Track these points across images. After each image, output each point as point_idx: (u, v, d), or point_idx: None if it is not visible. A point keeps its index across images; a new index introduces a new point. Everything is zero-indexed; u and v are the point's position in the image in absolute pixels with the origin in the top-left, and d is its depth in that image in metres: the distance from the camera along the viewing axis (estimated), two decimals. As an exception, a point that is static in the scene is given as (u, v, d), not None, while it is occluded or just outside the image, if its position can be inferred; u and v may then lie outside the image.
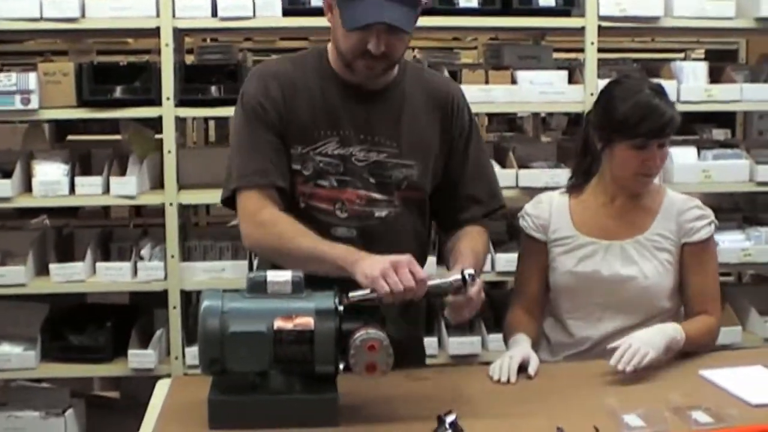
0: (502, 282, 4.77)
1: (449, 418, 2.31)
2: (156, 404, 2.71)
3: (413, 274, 2.48)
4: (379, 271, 2.48)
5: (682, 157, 4.43)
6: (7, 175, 4.24)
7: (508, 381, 2.80)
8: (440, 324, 4.47)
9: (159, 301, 4.37)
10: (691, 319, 3.10)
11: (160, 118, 4.21)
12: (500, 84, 4.27)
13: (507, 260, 4.24)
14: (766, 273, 5.08)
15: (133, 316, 4.52)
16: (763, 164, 4.50)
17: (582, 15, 4.35)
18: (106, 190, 4.25)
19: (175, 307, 4.28)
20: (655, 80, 3.38)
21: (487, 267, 4.09)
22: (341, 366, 2.47)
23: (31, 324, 4.42)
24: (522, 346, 2.97)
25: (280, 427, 2.43)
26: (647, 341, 2.84)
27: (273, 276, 2.51)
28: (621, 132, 2.99)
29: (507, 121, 7.92)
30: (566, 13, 4.39)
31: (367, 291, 2.49)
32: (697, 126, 6.09)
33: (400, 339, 2.60)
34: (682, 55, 7.17)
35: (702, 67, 4.55)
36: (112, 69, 4.38)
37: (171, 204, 4.23)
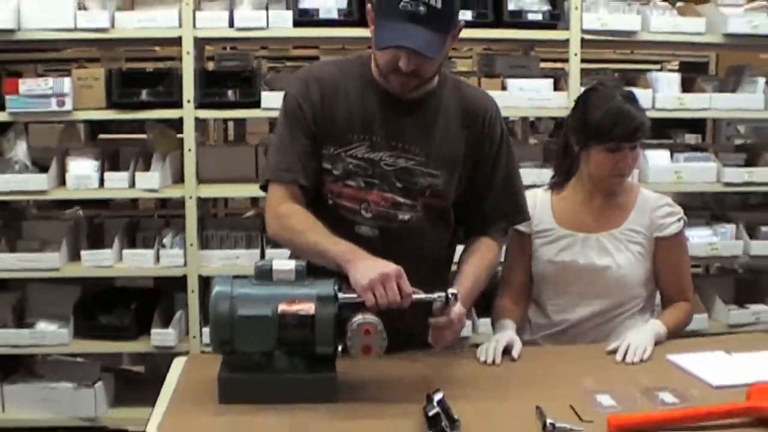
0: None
1: (437, 396, 2.28)
2: (171, 381, 2.69)
3: (400, 289, 2.43)
4: (368, 282, 2.42)
5: (656, 159, 4.44)
6: (44, 170, 4.25)
7: (494, 362, 2.78)
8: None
9: (179, 285, 4.37)
10: (669, 309, 3.12)
11: (181, 119, 4.21)
12: (492, 90, 4.20)
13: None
14: (730, 265, 5.07)
15: (156, 299, 4.53)
16: (729, 167, 4.53)
17: (567, 28, 4.35)
18: (132, 184, 4.26)
19: (193, 291, 4.28)
20: (633, 89, 3.34)
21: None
22: (340, 348, 2.44)
23: (64, 304, 4.43)
24: (507, 331, 2.95)
25: (283, 403, 2.40)
26: (641, 340, 2.85)
27: (278, 265, 2.48)
28: (595, 137, 2.97)
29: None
30: (552, 27, 4.39)
31: (359, 299, 2.45)
32: (671, 131, 6.07)
33: (414, 328, 2.60)
34: (658, 66, 7.12)
35: (675, 78, 4.55)
36: (139, 75, 4.40)
37: (190, 197, 4.23)
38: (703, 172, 4.48)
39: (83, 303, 4.46)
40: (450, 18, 2.60)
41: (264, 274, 2.48)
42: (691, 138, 6.32)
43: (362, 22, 3.61)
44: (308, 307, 2.41)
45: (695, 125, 6.17)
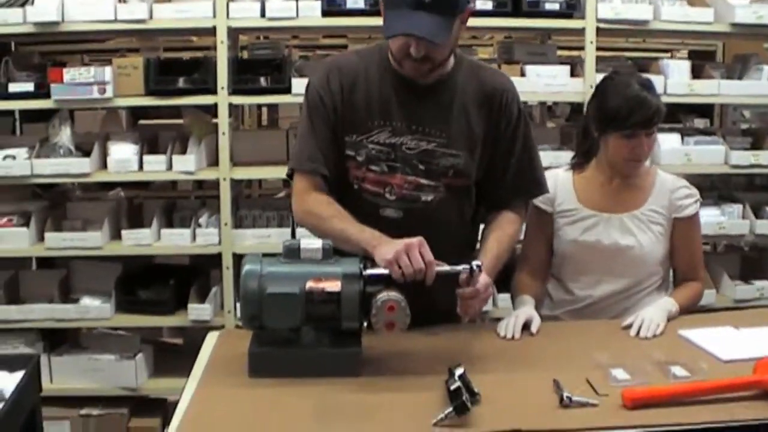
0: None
1: (458, 371, 2.22)
2: (205, 354, 2.66)
3: (422, 256, 2.38)
4: (393, 254, 2.37)
5: (667, 142, 4.35)
6: (87, 154, 4.20)
7: (513, 338, 2.72)
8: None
9: (214, 262, 4.31)
10: (681, 287, 3.05)
11: (215, 105, 4.14)
12: (511, 76, 4.12)
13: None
14: (737, 243, 4.98)
15: (193, 276, 4.48)
16: (736, 150, 4.43)
17: (582, 17, 4.25)
18: (170, 167, 4.19)
19: (228, 268, 4.22)
20: (645, 75, 3.26)
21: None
22: (365, 324, 2.39)
23: (107, 281, 4.39)
24: (526, 307, 2.89)
25: (310, 376, 2.36)
26: (654, 316, 2.79)
27: (306, 243, 2.44)
28: (613, 124, 2.89)
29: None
30: (569, 16, 4.29)
31: (385, 271, 2.39)
32: (681, 115, 5.96)
33: (440, 303, 2.58)
34: (668, 54, 7.01)
35: (685, 65, 4.45)
36: (175, 63, 4.34)
37: (224, 179, 4.17)
38: (711, 155, 4.38)
39: (124, 279, 4.41)
40: (456, 2, 2.53)
41: (292, 253, 2.43)
42: (699, 122, 6.19)
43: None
44: (334, 284, 2.36)
45: (704, 110, 6.06)
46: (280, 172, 4.21)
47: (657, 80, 3.94)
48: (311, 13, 4.09)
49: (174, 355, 4.52)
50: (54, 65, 4.28)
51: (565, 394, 2.20)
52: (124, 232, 4.23)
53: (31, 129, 5.14)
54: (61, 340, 4.47)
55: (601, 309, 3.01)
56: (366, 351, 2.44)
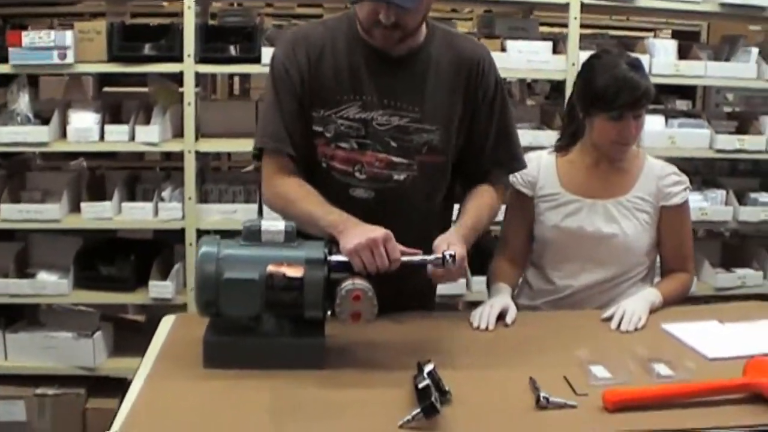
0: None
1: (428, 368, 2.06)
2: (159, 340, 2.49)
3: (387, 253, 2.23)
4: (354, 246, 2.22)
5: (651, 124, 4.17)
6: (47, 122, 3.99)
7: (487, 328, 2.56)
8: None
9: (179, 237, 4.13)
10: (668, 278, 2.91)
11: (181, 74, 3.94)
12: (492, 52, 3.98)
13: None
14: (718, 230, 4.85)
15: (156, 251, 4.29)
16: (721, 134, 4.31)
17: (567, -8, 4.07)
18: (132, 137, 3.99)
19: (191, 244, 4.04)
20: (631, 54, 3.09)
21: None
22: (329, 312, 2.22)
23: (66, 255, 4.19)
24: (502, 296, 2.73)
25: (269, 368, 2.19)
26: (635, 307, 2.64)
27: (267, 225, 2.26)
28: (599, 104, 2.72)
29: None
30: (553, -10, 4.10)
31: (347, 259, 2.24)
32: (664, 96, 5.82)
33: (412, 287, 2.47)
34: (652, 33, 6.87)
35: (672, 45, 4.31)
36: (141, 28, 4.11)
37: (189, 151, 3.97)
38: (696, 139, 4.24)
39: (84, 254, 4.22)
40: None
41: (252, 235, 2.26)
42: (681, 104, 6.06)
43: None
44: (297, 270, 2.19)
45: (686, 92, 5.92)
46: (248, 144, 3.93)
47: (642, 59, 3.74)
48: (284, -20, 3.89)
49: (135, 334, 4.32)
50: (13, 28, 4.05)
51: (542, 395, 2.04)
52: (83, 205, 4.04)
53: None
54: (17, 316, 4.28)
55: (583, 300, 2.86)
56: (330, 341, 2.27)
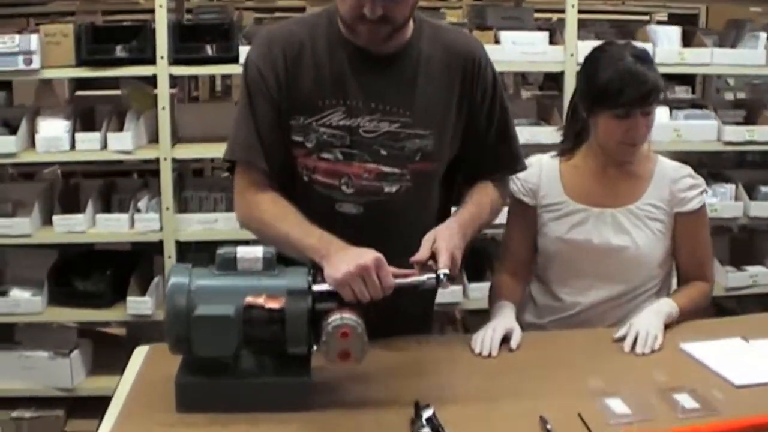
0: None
1: (426, 413, 1.84)
2: (129, 376, 2.26)
3: (380, 280, 2.00)
4: (343, 275, 1.98)
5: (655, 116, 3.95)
6: (16, 130, 3.76)
7: (490, 355, 2.32)
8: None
9: (159, 247, 3.89)
10: (684, 288, 2.66)
11: (155, 76, 3.69)
12: (484, 44, 3.77)
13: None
14: (727, 225, 4.61)
15: (135, 262, 4.07)
16: (729, 125, 4.07)
17: (564, -23, 3.83)
18: (105, 145, 3.76)
19: (170, 257, 3.81)
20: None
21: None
22: (315, 347, 1.99)
23: (40, 269, 3.97)
24: (505, 316, 2.49)
25: (250, 411, 1.96)
26: (648, 324, 2.40)
27: (243, 252, 2.02)
28: (602, 101, 2.49)
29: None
30: (548, -25, 3.87)
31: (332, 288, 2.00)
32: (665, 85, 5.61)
33: (412, 311, 2.29)
34: (647, 17, 6.64)
35: (675, 32, 4.06)
36: (111, 30, 3.86)
37: (165, 159, 3.73)
38: (703, 131, 4.01)
39: (59, 268, 4.00)
40: None
41: (227, 264, 2.03)
42: (681, 90, 5.84)
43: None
44: (278, 302, 1.95)
45: (686, 77, 5.69)
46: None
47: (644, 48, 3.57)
48: (261, -27, 3.65)
49: (115, 349, 4.11)
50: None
51: (556, 439, 1.82)
52: (55, 218, 3.81)
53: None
54: (-8, 334, 4.07)
55: (592, 317, 2.63)
56: (318, 374, 2.03)
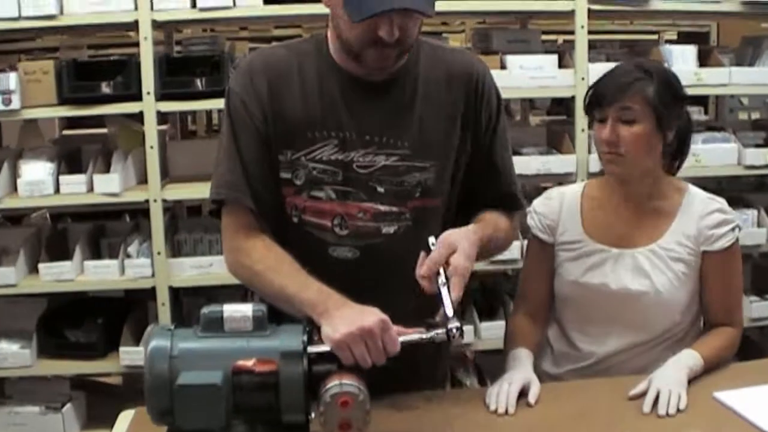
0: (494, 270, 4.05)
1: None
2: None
3: (384, 344, 1.81)
4: (343, 336, 1.79)
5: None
6: (-2, 174, 3.60)
7: (506, 412, 2.12)
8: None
9: (152, 293, 3.69)
10: (710, 335, 2.41)
11: (141, 113, 3.51)
12: (490, 69, 3.61)
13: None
14: (749, 253, 4.41)
15: (129, 309, 3.88)
16: (749, 147, 3.88)
17: (571, -2, 3.68)
18: (91, 187, 3.57)
19: (163, 304, 3.61)
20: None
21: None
22: (313, 414, 1.79)
23: (29, 320, 3.78)
24: (522, 368, 2.28)
25: (243, 489, 1.76)
26: (670, 381, 2.16)
27: (231, 311, 1.82)
28: (587, 107, 2.38)
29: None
30: (555, -4, 3.71)
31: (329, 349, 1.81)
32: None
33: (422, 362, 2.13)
34: (656, 36, 6.47)
35: (691, 51, 3.86)
36: (94, 65, 3.67)
37: (155, 200, 3.55)
38: (722, 155, 3.82)
39: (48, 317, 3.81)
40: None
41: (213, 324, 1.82)
42: (694, 112, 5.64)
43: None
44: (270, 365, 1.76)
45: (698, 98, 5.51)
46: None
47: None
48: (251, 2, 3.47)
49: (111, 400, 3.91)
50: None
51: None
52: (41, 266, 3.62)
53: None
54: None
55: (611, 367, 2.42)
56: (318, 442, 1.84)
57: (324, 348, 1.81)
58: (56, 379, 3.91)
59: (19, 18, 3.43)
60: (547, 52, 3.92)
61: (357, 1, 1.93)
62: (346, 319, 1.82)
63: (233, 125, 2.13)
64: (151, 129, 3.50)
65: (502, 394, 2.16)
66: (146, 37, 3.44)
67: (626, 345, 2.41)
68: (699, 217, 2.41)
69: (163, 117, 3.77)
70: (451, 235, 1.99)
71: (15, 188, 3.59)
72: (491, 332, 3.62)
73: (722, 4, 3.79)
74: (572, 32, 3.70)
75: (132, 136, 3.74)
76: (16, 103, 3.45)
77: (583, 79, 3.60)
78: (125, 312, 3.85)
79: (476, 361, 4.04)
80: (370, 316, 1.82)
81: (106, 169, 3.61)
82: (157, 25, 3.52)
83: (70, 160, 3.74)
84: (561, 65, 3.75)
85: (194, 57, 3.72)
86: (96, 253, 3.82)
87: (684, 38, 5.95)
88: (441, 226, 2.15)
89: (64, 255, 3.73)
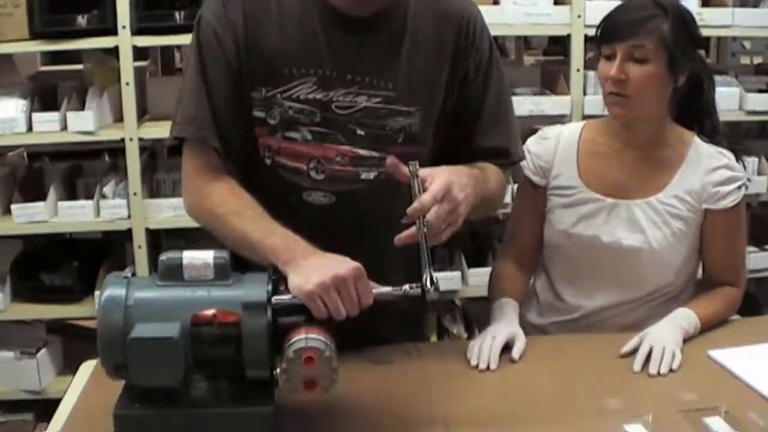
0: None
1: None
2: (72, 396, 2.00)
3: (358, 294, 1.68)
4: (315, 286, 1.65)
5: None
6: (-30, 113, 3.46)
7: (488, 367, 2.00)
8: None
9: (131, 234, 3.57)
10: (709, 294, 2.29)
11: (117, 48, 3.36)
12: (482, 6, 3.44)
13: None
14: (748, 202, 4.29)
15: (107, 251, 3.80)
16: (751, 92, 3.76)
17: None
18: (65, 125, 3.44)
19: (140, 247, 3.51)
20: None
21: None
22: (278, 370, 1.67)
23: (2, 262, 3.68)
24: (507, 320, 2.16)
25: (202, 449, 1.65)
26: (664, 338, 2.05)
27: (191, 258, 1.69)
28: (595, 41, 2.25)
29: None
30: None
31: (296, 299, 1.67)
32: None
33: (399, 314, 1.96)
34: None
35: (694, -10, 3.70)
36: (68, -2, 3.53)
37: (131, 139, 3.41)
38: (724, 99, 3.61)
39: (23, 260, 3.72)
40: None
41: (172, 272, 1.69)
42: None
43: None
44: (232, 317, 1.63)
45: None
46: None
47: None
48: None
49: (88, 344, 3.81)
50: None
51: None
52: (14, 207, 3.51)
53: None
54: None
55: (597, 323, 2.31)
56: (281, 406, 1.70)
57: (290, 298, 1.69)
58: (32, 324, 3.83)
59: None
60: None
61: None
62: (317, 268, 1.69)
63: (202, 56, 1.97)
64: (126, 65, 3.36)
65: (484, 348, 2.04)
66: (122, -33, 3.27)
67: (615, 301, 2.29)
68: (704, 172, 2.26)
69: (143, 52, 3.62)
70: (443, 172, 1.81)
71: (-13, 127, 3.47)
72: (479, 279, 3.50)
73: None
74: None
75: (108, 73, 3.60)
76: (-14, 37, 3.31)
77: (579, 16, 3.46)
78: (102, 255, 3.76)
79: (465, 308, 3.94)
80: (344, 264, 1.70)
81: (81, 107, 3.47)
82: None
83: (46, 98, 3.61)
84: (557, 2, 3.59)
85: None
86: (72, 194, 3.72)
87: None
88: None
89: (40, 196, 3.61)
